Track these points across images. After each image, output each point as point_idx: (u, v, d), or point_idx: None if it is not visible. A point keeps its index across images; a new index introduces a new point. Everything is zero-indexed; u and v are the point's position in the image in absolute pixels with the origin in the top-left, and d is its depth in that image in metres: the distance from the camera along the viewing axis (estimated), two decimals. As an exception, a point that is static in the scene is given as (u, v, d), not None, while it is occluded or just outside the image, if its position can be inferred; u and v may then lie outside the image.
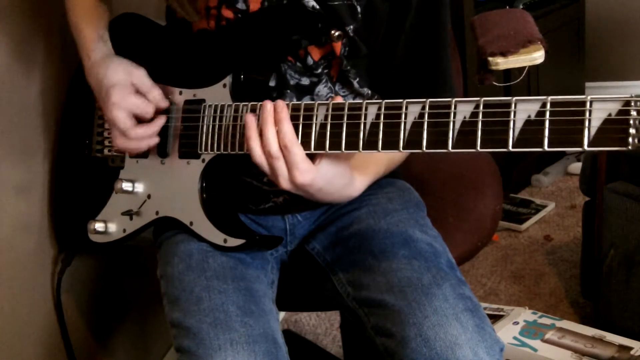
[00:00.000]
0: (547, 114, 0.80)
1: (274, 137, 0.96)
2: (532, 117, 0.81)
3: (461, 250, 1.40)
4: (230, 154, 1.07)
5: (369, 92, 1.19)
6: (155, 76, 1.16)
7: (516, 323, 1.83)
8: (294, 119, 0.97)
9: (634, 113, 0.76)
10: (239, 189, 1.19)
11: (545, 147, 0.80)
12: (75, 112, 1.33)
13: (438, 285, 1.03)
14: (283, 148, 0.96)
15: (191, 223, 1.13)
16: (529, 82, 2.85)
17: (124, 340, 1.65)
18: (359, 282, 1.12)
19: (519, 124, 0.82)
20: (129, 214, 1.20)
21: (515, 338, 1.77)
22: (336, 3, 1.09)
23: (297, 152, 0.96)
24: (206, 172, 1.12)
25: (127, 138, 1.13)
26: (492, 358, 0.98)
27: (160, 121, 1.14)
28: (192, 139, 1.12)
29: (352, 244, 1.17)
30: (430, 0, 1.14)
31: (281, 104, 0.97)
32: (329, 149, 0.96)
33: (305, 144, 0.97)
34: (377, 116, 0.92)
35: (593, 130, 0.78)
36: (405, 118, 0.90)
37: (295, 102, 1.05)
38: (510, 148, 0.82)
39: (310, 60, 1.13)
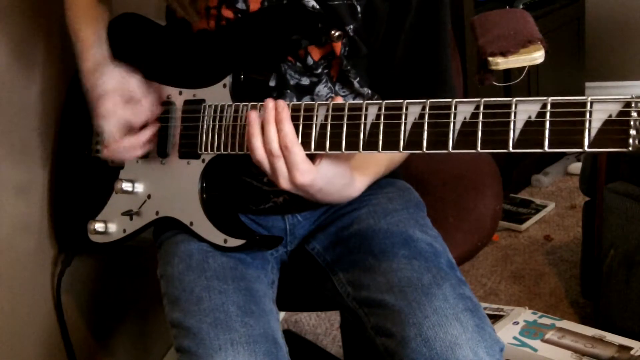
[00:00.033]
0: (548, 114, 0.80)
1: (275, 135, 0.96)
2: (533, 117, 0.81)
3: (461, 250, 1.40)
4: (230, 154, 1.07)
5: (369, 92, 1.18)
6: (155, 76, 1.16)
7: (516, 323, 1.83)
8: (294, 119, 0.97)
9: (634, 114, 0.76)
10: (239, 189, 1.19)
11: (546, 148, 0.80)
12: (75, 112, 1.33)
13: (438, 285, 1.03)
14: (283, 148, 0.96)
15: (191, 223, 1.13)
16: (529, 82, 2.84)
17: (124, 340, 1.65)
18: (359, 282, 1.12)
19: (520, 125, 0.82)
20: (129, 214, 1.20)
21: (515, 338, 1.77)
22: (336, 3, 1.09)
23: (298, 153, 0.96)
24: (206, 172, 1.12)
25: (112, 149, 1.13)
26: (492, 358, 0.98)
27: (148, 132, 1.14)
28: (192, 139, 1.12)
29: (352, 244, 1.16)
30: (430, 0, 1.14)
31: (282, 104, 0.97)
32: (329, 150, 0.96)
33: (305, 144, 0.96)
34: (377, 117, 0.92)
35: (593, 131, 0.78)
36: (406, 119, 0.90)
37: (295, 102, 1.05)
38: (510, 149, 0.82)
39: (310, 60, 1.13)
